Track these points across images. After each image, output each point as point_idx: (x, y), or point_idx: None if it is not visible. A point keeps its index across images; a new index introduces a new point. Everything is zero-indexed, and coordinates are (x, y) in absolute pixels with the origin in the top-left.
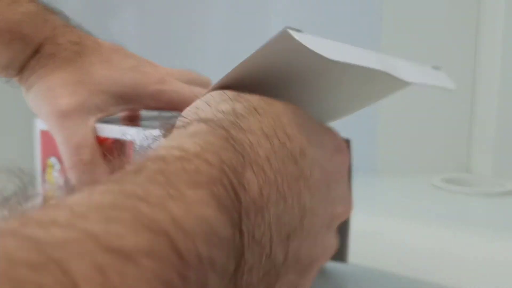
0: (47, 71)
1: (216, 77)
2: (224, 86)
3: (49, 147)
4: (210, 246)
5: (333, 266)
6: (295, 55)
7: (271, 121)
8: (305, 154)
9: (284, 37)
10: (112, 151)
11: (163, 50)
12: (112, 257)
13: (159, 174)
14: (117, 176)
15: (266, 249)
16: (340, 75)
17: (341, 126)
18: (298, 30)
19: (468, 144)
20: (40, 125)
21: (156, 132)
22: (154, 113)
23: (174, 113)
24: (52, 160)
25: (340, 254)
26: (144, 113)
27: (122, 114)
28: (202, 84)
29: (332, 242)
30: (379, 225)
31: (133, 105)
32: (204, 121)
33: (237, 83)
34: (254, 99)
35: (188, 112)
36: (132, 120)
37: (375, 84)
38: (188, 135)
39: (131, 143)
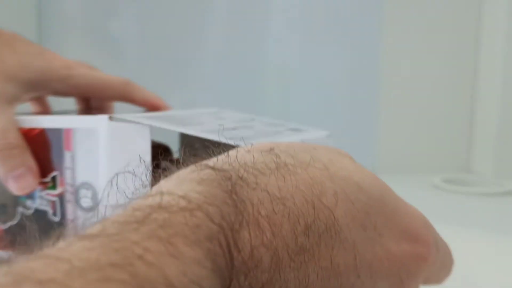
0: None
1: (215, 77)
2: None
3: None
4: None
5: None
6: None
7: (303, 182)
8: (333, 229)
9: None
10: (37, 143)
11: (162, 50)
12: None
13: (161, 229)
14: (119, 227)
15: None
16: None
17: (341, 126)
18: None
19: (468, 144)
20: None
21: (100, 118)
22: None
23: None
24: None
25: None
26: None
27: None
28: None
29: None
30: None
31: (43, 91)
32: (214, 168)
33: None
34: (299, 153)
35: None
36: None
37: None
38: (196, 181)
39: (68, 131)
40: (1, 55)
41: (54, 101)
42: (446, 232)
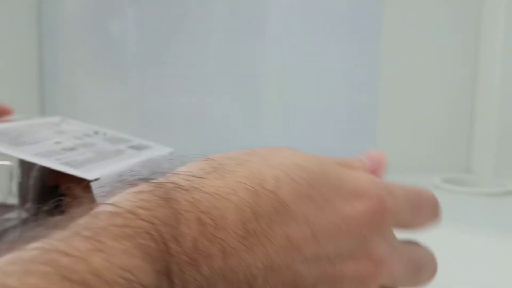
0: None
1: (215, 78)
2: None
3: None
4: None
5: None
6: None
7: (243, 176)
8: (281, 209)
9: None
10: None
11: (162, 50)
12: None
13: (86, 230)
14: (44, 232)
15: None
16: None
17: (341, 126)
18: None
19: (468, 144)
20: None
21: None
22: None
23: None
24: None
25: None
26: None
27: None
28: None
29: None
30: None
31: None
32: (148, 180)
33: None
34: (236, 155)
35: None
36: None
37: None
38: (129, 193)
39: None
40: None
41: None
42: (446, 232)
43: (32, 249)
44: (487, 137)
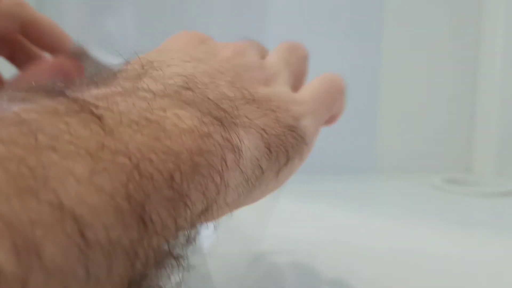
0: None
1: None
2: None
3: None
4: None
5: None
6: None
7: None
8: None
9: None
10: None
11: None
12: None
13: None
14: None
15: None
16: None
17: (341, 126)
18: None
19: (469, 144)
20: None
21: None
22: None
23: None
24: None
25: None
26: None
27: None
28: None
29: None
30: (378, 225)
31: None
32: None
33: None
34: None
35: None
36: None
37: None
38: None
39: None
40: None
41: None
42: (446, 232)
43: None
44: (488, 137)
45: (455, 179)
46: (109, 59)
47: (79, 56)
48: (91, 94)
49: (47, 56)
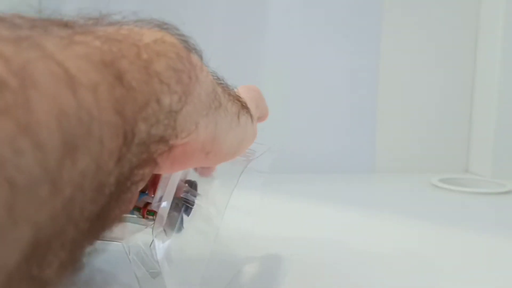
0: None
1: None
2: None
3: None
4: None
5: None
6: None
7: None
8: None
9: None
10: None
11: None
12: None
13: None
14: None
15: None
16: None
17: (341, 126)
18: None
19: (467, 145)
20: None
21: None
22: None
23: None
24: None
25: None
26: None
27: None
28: None
29: None
30: (378, 225)
31: None
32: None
33: None
34: None
35: None
36: None
37: None
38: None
39: None
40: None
41: None
42: (445, 232)
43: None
44: (485, 137)
45: (453, 179)
46: None
47: None
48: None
49: None
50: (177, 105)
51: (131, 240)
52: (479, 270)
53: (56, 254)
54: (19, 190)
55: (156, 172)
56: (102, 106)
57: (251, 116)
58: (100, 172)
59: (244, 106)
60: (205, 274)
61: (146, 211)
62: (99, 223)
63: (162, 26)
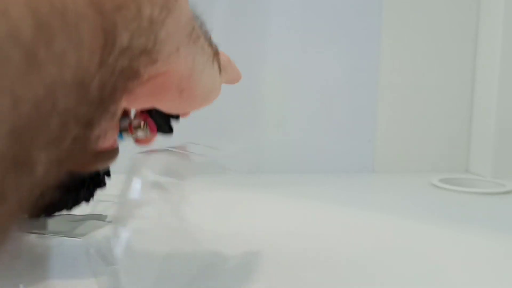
0: None
1: None
2: None
3: None
4: None
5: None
6: None
7: None
8: None
9: None
10: None
11: None
12: None
13: None
14: None
15: None
16: None
17: (341, 126)
18: None
19: (467, 145)
20: None
21: None
22: None
23: None
24: None
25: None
26: None
27: None
28: None
29: None
30: (378, 225)
31: None
32: None
33: None
34: None
35: None
36: None
37: None
38: None
39: None
40: None
41: None
42: (445, 232)
43: None
44: (486, 137)
45: (454, 180)
46: None
47: None
48: None
49: None
50: (158, 16)
51: (92, 237)
52: (479, 270)
53: (40, 150)
54: None
55: (133, 102)
56: None
57: (219, 69)
58: (81, 68)
59: (216, 53)
60: (167, 268)
61: (131, 127)
62: (86, 131)
63: None
